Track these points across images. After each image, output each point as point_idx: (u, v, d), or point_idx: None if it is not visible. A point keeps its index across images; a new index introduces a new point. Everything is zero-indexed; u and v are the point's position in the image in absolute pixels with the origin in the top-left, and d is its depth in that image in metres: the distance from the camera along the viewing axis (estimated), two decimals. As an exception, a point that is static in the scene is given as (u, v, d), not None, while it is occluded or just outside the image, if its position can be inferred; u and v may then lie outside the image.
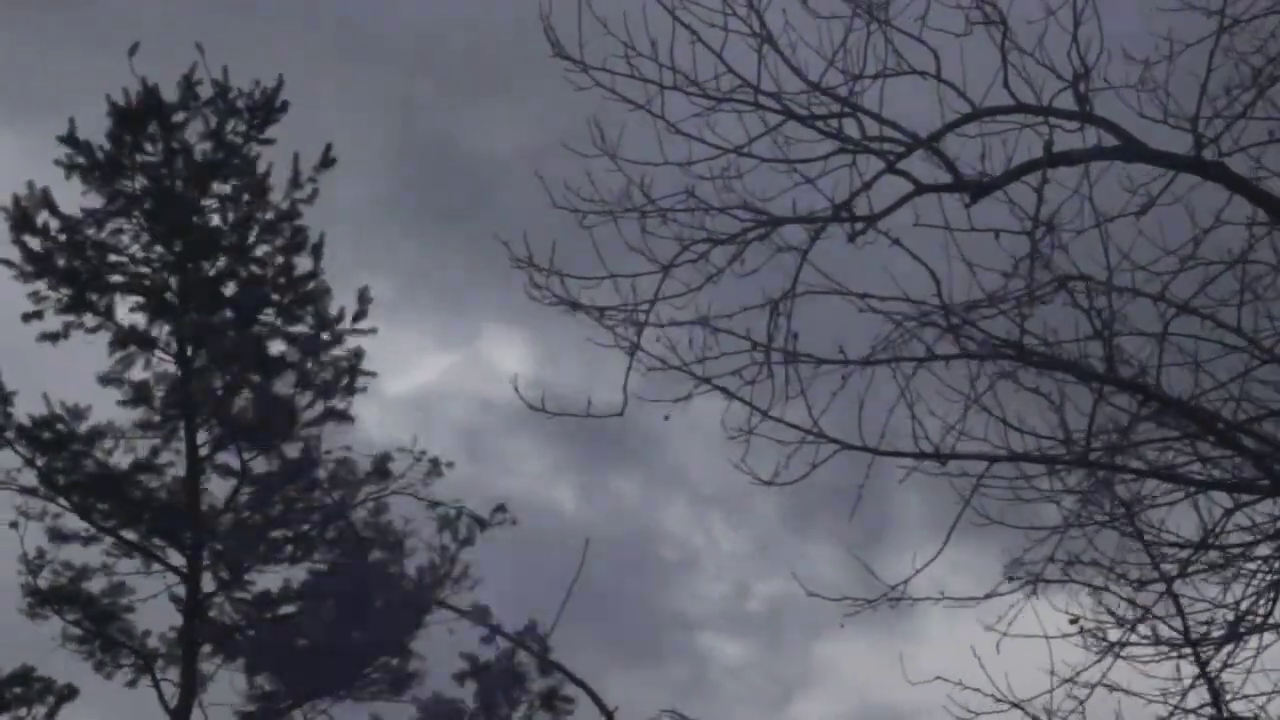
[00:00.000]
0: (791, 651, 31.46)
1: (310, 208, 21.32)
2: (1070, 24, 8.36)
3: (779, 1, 8.42)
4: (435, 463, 21.24)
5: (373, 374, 21.49)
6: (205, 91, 20.93)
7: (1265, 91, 8.55)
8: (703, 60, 8.45)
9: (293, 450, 21.09)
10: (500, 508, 21.44)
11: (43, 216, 20.63)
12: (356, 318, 21.39)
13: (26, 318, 20.57)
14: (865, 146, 8.56)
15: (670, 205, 8.51)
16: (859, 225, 8.56)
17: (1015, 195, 8.64)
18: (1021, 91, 8.54)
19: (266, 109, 21.16)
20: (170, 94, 20.85)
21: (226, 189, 21.04)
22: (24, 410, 20.46)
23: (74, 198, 20.76)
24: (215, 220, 21.16)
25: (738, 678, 27.19)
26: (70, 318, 20.72)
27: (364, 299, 21.42)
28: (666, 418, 8.70)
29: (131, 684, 20.61)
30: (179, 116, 20.88)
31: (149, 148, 20.78)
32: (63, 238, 20.63)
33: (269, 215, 21.08)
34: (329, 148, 21.29)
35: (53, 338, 20.65)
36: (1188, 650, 9.38)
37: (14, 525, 20.24)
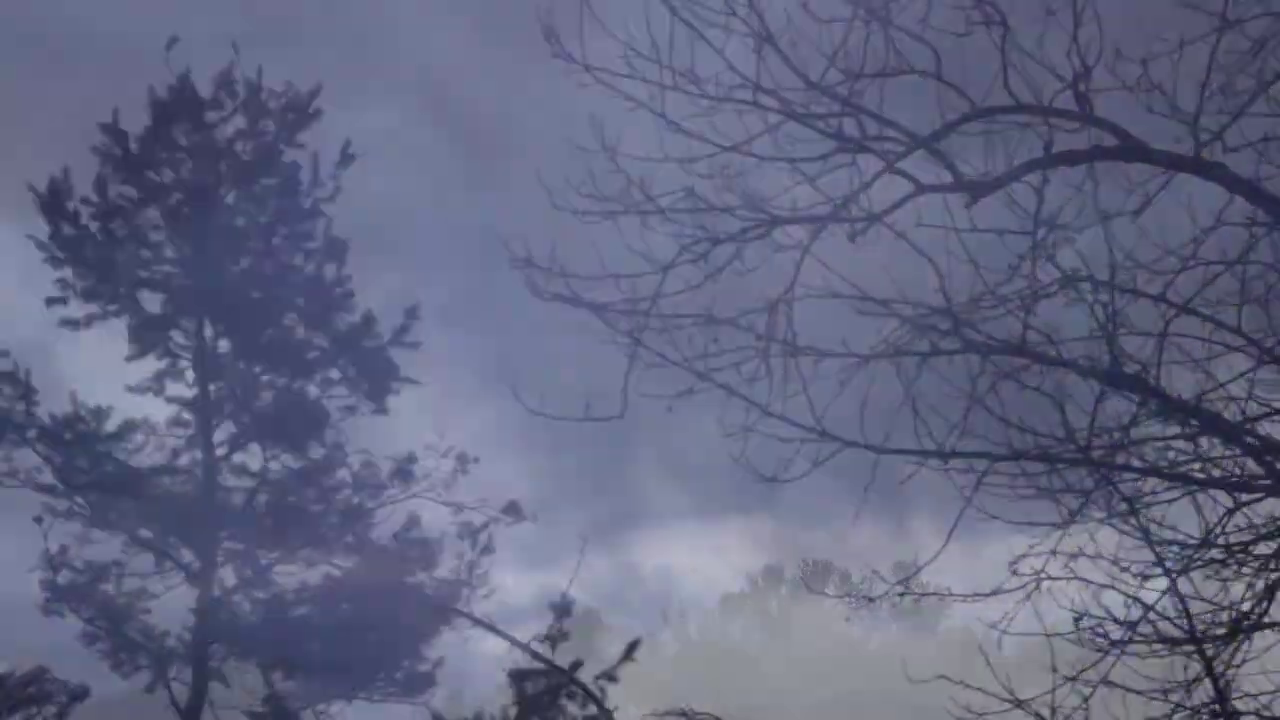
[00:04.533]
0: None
1: (332, 205, 21.12)
2: (1070, 24, 8.37)
3: (779, 1, 8.45)
4: (462, 458, 21.09)
5: (417, 382, 21.32)
6: (240, 91, 20.79)
7: (1266, 90, 8.54)
8: (703, 59, 8.49)
9: (315, 451, 21.02)
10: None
11: (73, 204, 20.59)
12: (400, 332, 21.19)
13: (50, 302, 20.56)
14: (865, 146, 8.57)
15: (670, 204, 8.53)
16: (860, 224, 8.56)
17: (1016, 195, 8.65)
18: (1022, 92, 8.55)
19: (301, 113, 21.04)
20: (205, 91, 20.78)
21: (255, 189, 20.95)
22: (47, 408, 20.43)
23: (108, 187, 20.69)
24: (241, 220, 21.06)
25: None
26: (93, 307, 20.71)
27: (411, 315, 21.22)
28: (670, 408, 8.71)
29: (150, 689, 20.57)
30: (212, 115, 20.78)
31: (182, 142, 20.71)
32: (93, 226, 20.61)
33: (295, 216, 20.94)
34: (348, 144, 21.07)
35: (73, 324, 20.64)
36: (1191, 647, 9.35)
37: (39, 520, 20.25)
